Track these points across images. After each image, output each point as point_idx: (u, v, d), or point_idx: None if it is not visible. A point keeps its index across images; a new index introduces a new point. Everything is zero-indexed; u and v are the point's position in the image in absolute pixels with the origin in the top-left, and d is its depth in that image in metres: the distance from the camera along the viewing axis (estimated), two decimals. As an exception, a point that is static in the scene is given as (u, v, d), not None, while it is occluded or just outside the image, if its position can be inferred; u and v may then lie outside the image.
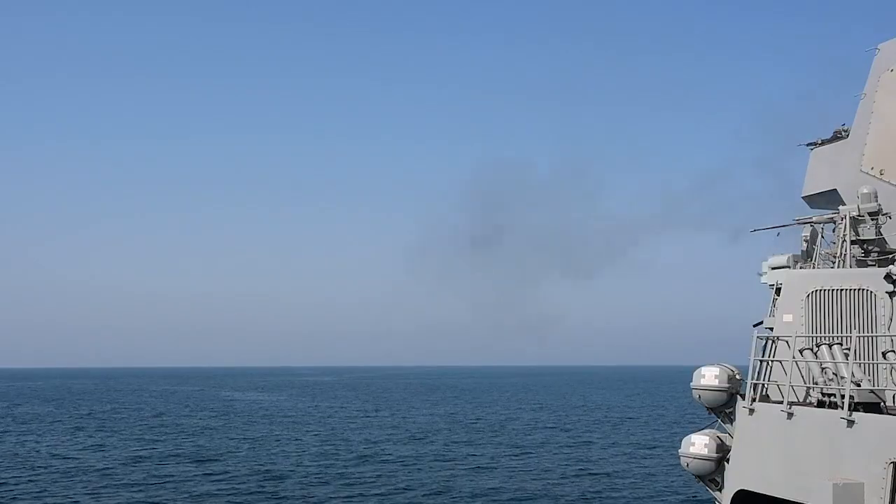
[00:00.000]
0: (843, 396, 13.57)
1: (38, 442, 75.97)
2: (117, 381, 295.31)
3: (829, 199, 18.54)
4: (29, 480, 52.04)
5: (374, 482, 51.36)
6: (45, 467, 58.18)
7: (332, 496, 46.84)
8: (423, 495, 47.40)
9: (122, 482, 51.40)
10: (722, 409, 16.31)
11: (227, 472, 55.33)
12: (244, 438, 78.31)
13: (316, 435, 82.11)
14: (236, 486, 49.85)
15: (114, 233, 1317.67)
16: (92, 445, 72.61)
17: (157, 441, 75.88)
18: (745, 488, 15.22)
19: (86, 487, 49.34)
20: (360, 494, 47.21)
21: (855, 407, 13.42)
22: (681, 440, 17.12)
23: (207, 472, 55.77)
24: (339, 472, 55.92)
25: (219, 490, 48.55)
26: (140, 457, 63.86)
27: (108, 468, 57.43)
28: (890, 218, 16.80)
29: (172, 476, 53.73)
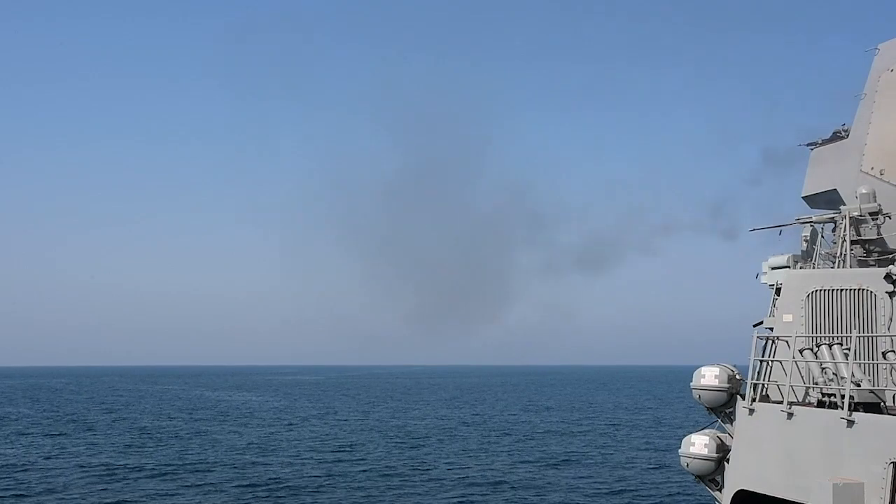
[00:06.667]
0: (843, 396, 13.59)
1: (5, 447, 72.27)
2: (93, 381, 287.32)
3: (829, 199, 18.55)
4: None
5: (371, 491, 50.34)
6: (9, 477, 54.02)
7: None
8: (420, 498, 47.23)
9: (93, 490, 48.49)
10: (722, 409, 16.38)
11: (210, 482, 52.36)
12: (229, 442, 76.31)
13: (305, 438, 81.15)
14: (219, 494, 47.86)
15: (84, 231, 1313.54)
16: (62, 450, 68.72)
17: (134, 446, 72.62)
18: (745, 488, 15.24)
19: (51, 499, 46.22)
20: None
21: (855, 407, 13.44)
22: (681, 440, 17.16)
23: (189, 480, 52.95)
24: (337, 479, 54.55)
25: (202, 500, 46.46)
26: (112, 464, 60.02)
27: (78, 476, 53.96)
28: (890, 218, 16.84)
29: (148, 484, 51.12)
